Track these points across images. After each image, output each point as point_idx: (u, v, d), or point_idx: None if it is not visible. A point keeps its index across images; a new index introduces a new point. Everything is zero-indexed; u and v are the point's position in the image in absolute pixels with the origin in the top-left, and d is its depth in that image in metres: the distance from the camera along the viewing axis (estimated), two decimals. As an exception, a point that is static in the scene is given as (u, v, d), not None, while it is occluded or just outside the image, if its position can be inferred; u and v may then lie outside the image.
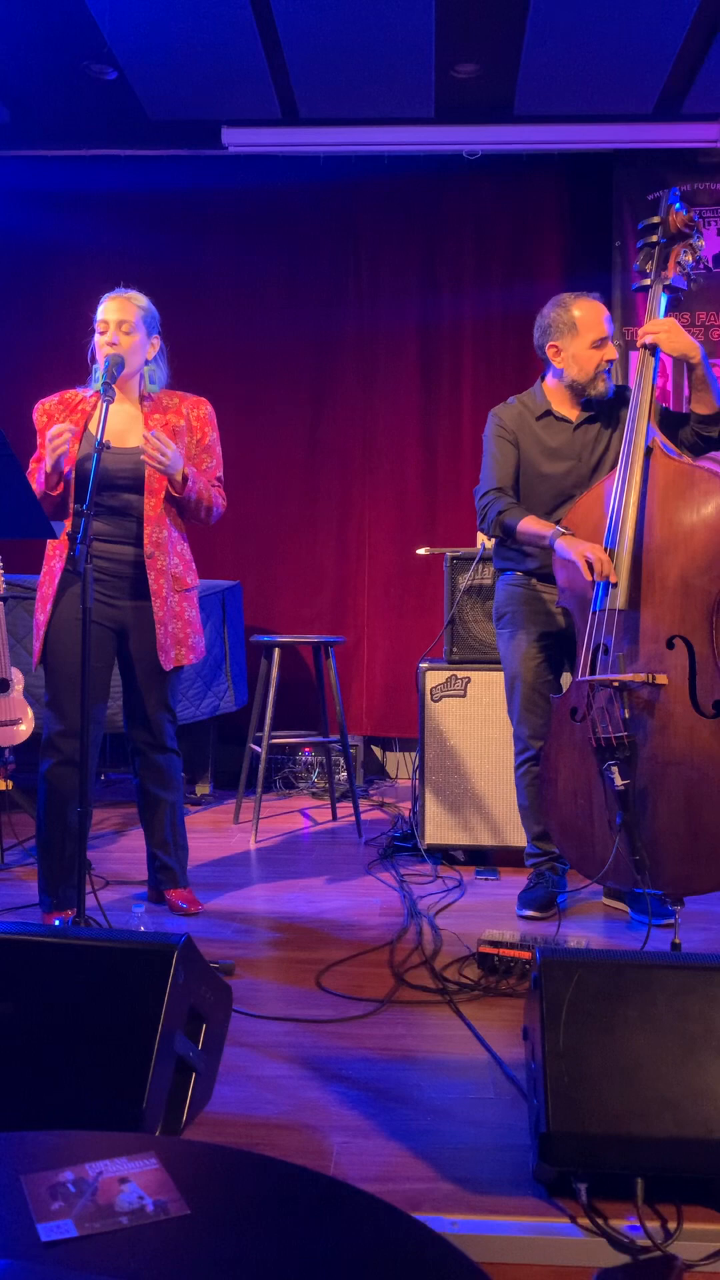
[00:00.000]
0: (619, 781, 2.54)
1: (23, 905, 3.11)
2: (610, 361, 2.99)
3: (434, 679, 3.68)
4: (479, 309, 5.31)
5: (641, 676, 2.57)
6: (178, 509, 2.95)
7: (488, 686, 3.63)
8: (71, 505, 2.84)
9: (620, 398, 3.06)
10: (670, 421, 2.94)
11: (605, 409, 3.06)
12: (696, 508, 2.58)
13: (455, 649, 3.72)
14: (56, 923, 2.80)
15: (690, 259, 2.86)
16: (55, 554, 2.89)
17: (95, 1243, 1.06)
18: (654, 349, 2.81)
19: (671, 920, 2.75)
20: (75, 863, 2.60)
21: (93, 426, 2.86)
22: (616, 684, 2.60)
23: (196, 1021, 1.87)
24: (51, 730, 2.85)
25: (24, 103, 4.91)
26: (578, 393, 3.03)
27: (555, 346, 3.01)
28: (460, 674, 3.66)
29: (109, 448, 2.73)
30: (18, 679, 3.87)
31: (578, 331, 2.96)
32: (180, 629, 2.95)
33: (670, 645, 2.57)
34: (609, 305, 5.04)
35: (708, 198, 5.01)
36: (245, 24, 4.16)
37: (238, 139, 5.02)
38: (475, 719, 3.64)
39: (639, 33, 4.19)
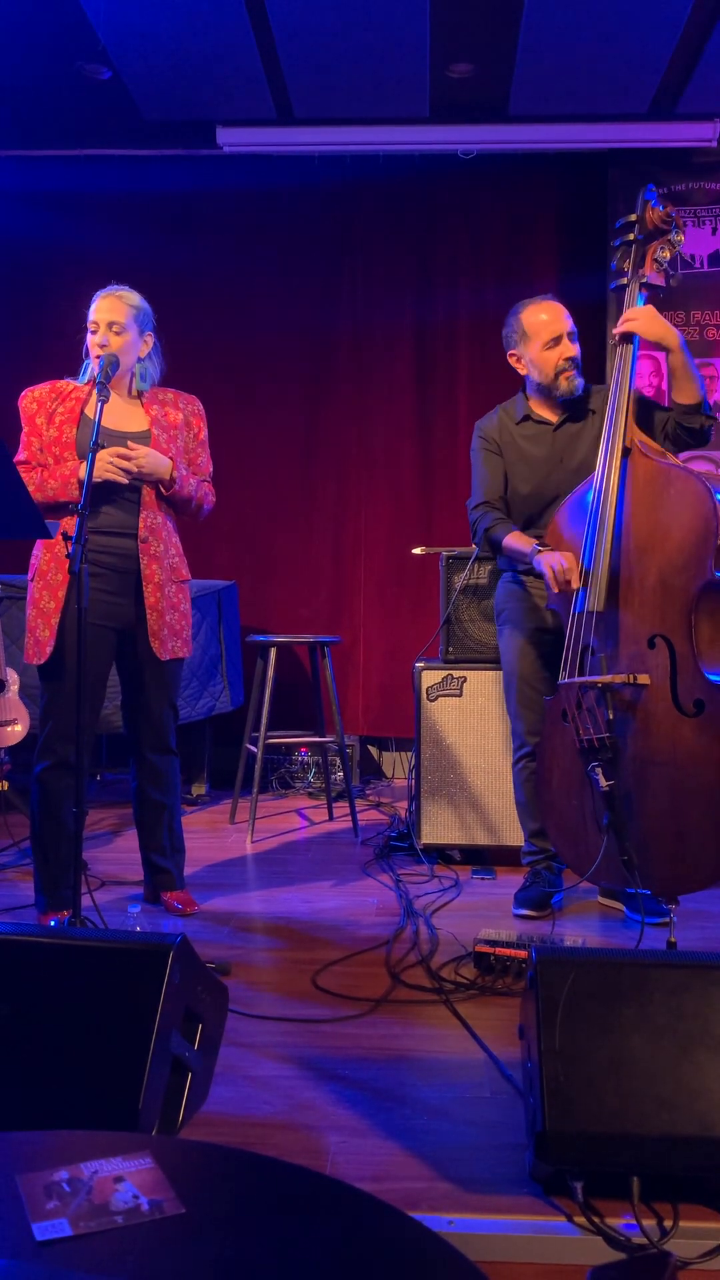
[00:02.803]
0: (604, 782, 2.55)
1: (18, 906, 3.10)
2: (570, 359, 3.01)
3: (430, 679, 3.68)
4: (474, 308, 5.31)
5: (623, 677, 2.58)
6: (169, 503, 2.94)
7: (484, 686, 3.63)
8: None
9: (600, 396, 3.09)
10: (654, 412, 2.96)
11: (582, 410, 3.10)
12: (672, 506, 2.58)
13: (451, 648, 3.72)
14: (52, 923, 2.79)
15: (667, 255, 2.86)
16: (58, 540, 2.85)
17: (90, 1242, 1.05)
18: (631, 337, 2.82)
19: (667, 919, 2.75)
20: (71, 863, 2.60)
21: (88, 411, 2.85)
22: (600, 685, 2.61)
23: (192, 1022, 1.87)
24: (49, 732, 2.83)
25: (18, 102, 4.90)
26: (548, 395, 3.08)
27: (514, 355, 3.10)
28: (456, 673, 3.66)
29: (104, 447, 2.72)
30: (13, 679, 3.87)
31: (529, 337, 3.02)
32: (177, 620, 2.94)
33: (651, 645, 2.57)
34: (602, 305, 5.07)
35: (703, 197, 5.01)
36: (240, 24, 4.16)
37: (233, 139, 5.01)
38: (471, 718, 3.64)
39: (634, 32, 4.19)
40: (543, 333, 3.00)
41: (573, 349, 3.02)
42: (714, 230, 5.01)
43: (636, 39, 4.24)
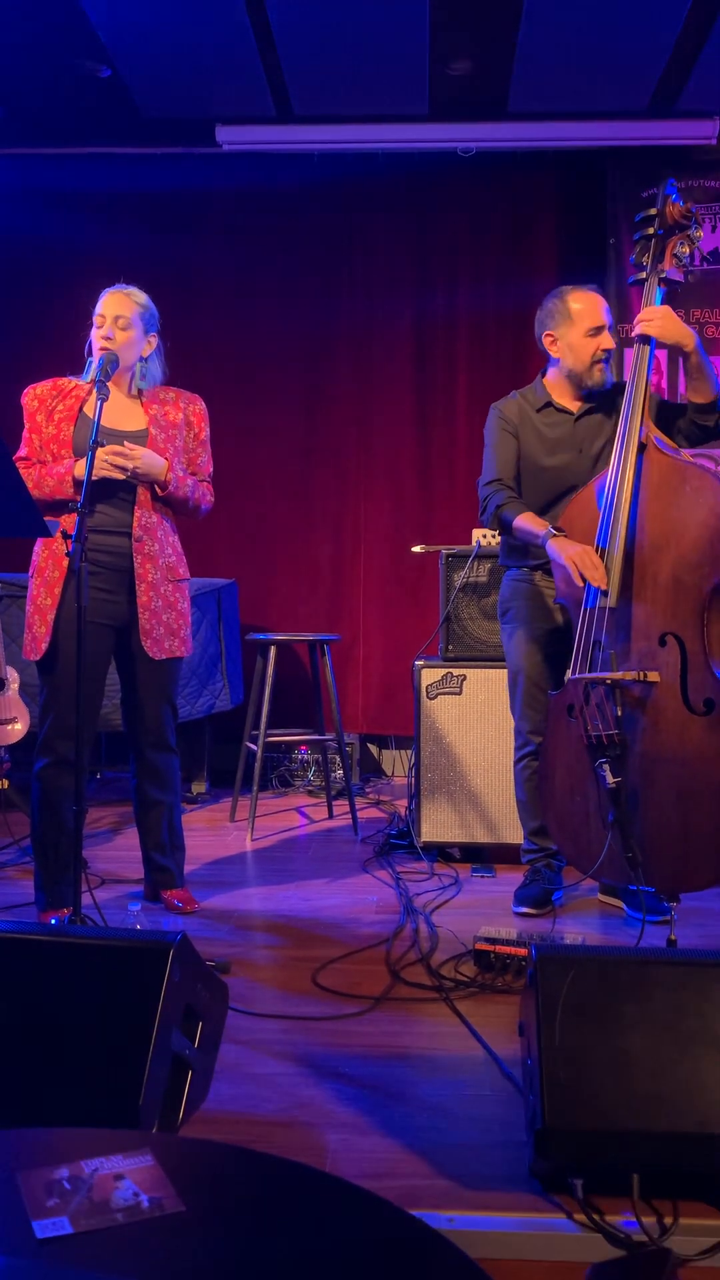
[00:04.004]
0: (610, 779, 2.54)
1: (19, 904, 3.10)
2: (607, 351, 3.00)
3: (430, 676, 3.68)
4: (474, 306, 5.30)
5: (633, 674, 2.57)
6: (165, 502, 2.94)
7: (484, 684, 3.63)
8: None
9: (620, 389, 3.07)
10: (668, 413, 2.95)
11: (606, 400, 3.06)
12: (687, 504, 2.57)
13: (451, 646, 3.72)
14: (53, 921, 2.79)
15: (687, 251, 2.84)
16: (58, 536, 2.86)
17: (90, 1240, 1.05)
18: (648, 339, 2.80)
19: (667, 917, 2.75)
20: (71, 861, 2.60)
21: (88, 409, 2.85)
22: (609, 682, 2.60)
23: (193, 1019, 1.87)
24: (48, 729, 2.84)
25: (17, 100, 4.90)
26: (576, 383, 3.04)
27: (551, 335, 3.03)
28: (456, 671, 3.66)
29: (104, 445, 2.72)
30: (13, 678, 3.87)
31: (573, 320, 2.98)
32: (174, 619, 2.94)
33: (662, 643, 2.57)
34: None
35: (702, 194, 5.01)
36: (239, 21, 4.15)
37: (232, 136, 5.01)
38: (471, 716, 3.64)
39: (633, 29, 4.19)
40: (587, 319, 2.97)
41: (611, 342, 3.01)
42: (714, 228, 5.01)
43: (636, 36, 4.23)
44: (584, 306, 2.98)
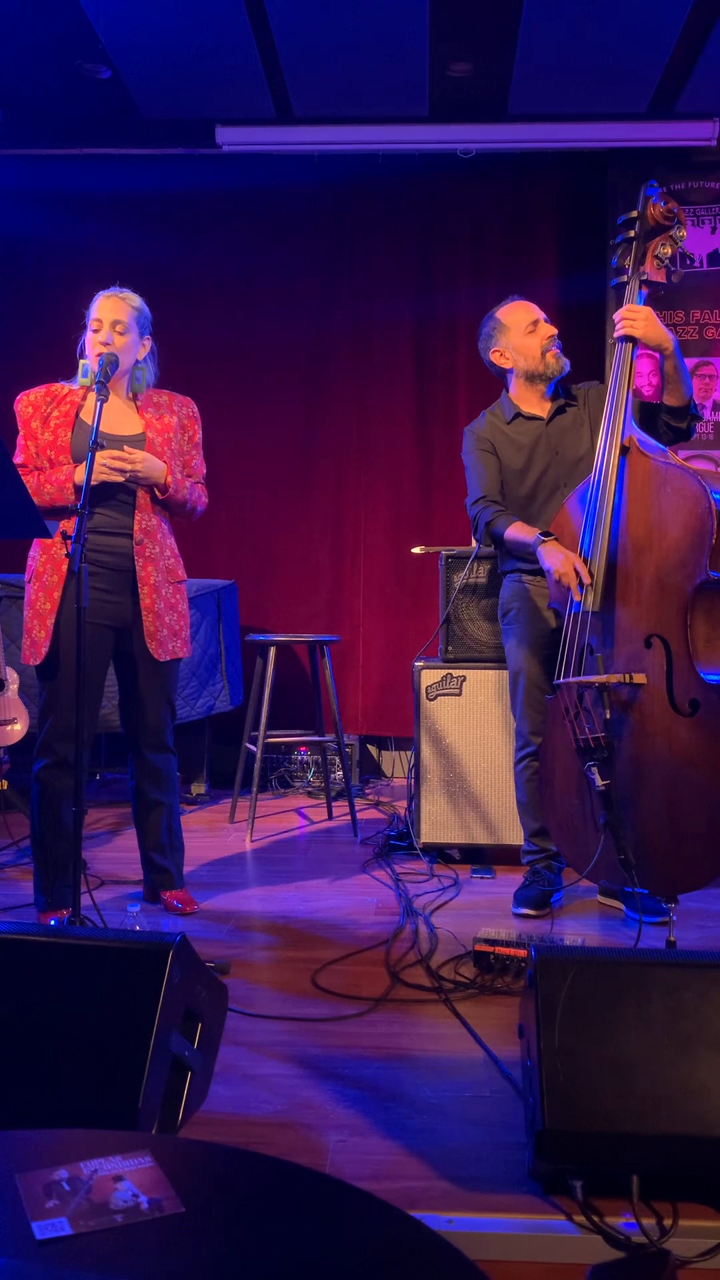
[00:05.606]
0: (599, 782, 2.55)
1: (18, 905, 3.10)
2: (553, 338, 3.08)
3: (429, 678, 3.68)
4: (473, 307, 5.30)
5: (619, 677, 2.58)
6: (164, 505, 2.95)
7: (483, 685, 3.63)
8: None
9: (596, 393, 3.12)
10: (647, 413, 2.97)
11: (572, 396, 3.14)
12: (668, 505, 2.58)
13: (450, 648, 3.72)
14: (52, 922, 2.79)
15: (669, 252, 2.83)
16: (56, 540, 2.86)
17: (90, 1241, 1.05)
18: (629, 340, 2.80)
19: (666, 918, 2.75)
20: (70, 862, 2.60)
21: (85, 415, 2.85)
22: (597, 685, 2.61)
23: (192, 1021, 1.87)
24: (47, 730, 2.84)
25: (18, 101, 4.90)
26: (539, 380, 3.10)
27: (498, 350, 3.13)
28: (456, 672, 3.66)
29: (103, 446, 2.72)
30: (13, 679, 3.87)
31: (508, 327, 3.09)
32: (175, 620, 2.94)
33: (648, 644, 2.57)
34: (602, 304, 5.07)
35: (702, 196, 5.01)
36: (239, 22, 4.15)
37: (232, 138, 5.01)
38: (471, 717, 3.64)
39: (633, 31, 4.19)
40: (521, 320, 3.08)
41: (552, 329, 3.10)
42: (713, 229, 5.01)
43: (636, 38, 4.24)
44: (513, 313, 3.10)
